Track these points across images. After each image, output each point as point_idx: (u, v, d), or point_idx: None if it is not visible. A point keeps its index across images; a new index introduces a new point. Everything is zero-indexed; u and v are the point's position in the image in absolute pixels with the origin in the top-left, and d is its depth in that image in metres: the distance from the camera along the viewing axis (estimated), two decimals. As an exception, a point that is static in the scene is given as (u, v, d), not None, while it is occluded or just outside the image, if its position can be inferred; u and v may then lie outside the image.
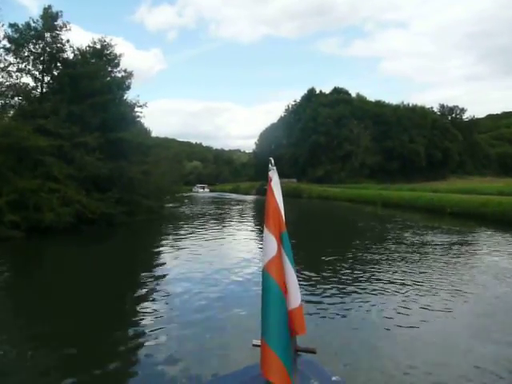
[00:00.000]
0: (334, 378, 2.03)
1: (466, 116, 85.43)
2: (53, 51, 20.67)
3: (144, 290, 8.03)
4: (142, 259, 12.30)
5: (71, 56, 21.45)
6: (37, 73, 20.64)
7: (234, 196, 60.44)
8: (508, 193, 26.86)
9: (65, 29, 20.83)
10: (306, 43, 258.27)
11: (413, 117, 73.41)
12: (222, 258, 11.38)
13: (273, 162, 1.71)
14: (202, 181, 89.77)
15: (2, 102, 19.72)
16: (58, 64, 21.09)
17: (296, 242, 10.85)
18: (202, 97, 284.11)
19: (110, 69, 22.34)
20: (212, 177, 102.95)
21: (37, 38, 20.28)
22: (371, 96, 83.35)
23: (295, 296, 1.64)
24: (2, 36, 19.58)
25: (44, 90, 20.94)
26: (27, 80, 20.49)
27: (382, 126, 70.94)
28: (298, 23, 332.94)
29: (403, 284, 8.18)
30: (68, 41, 21.08)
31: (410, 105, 79.22)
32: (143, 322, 6.18)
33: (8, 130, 15.74)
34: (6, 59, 19.89)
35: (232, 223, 21.76)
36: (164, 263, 10.99)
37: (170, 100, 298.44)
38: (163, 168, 25.30)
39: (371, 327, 5.98)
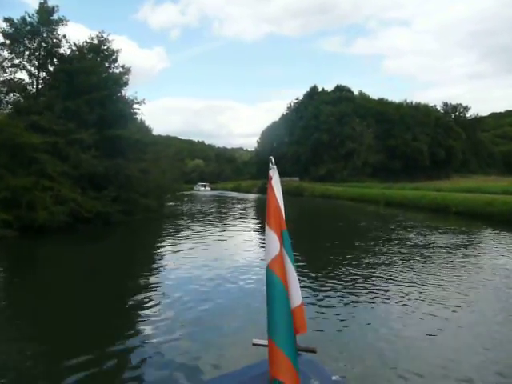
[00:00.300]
0: (334, 378, 2.03)
1: (469, 114, 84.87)
2: (49, 46, 20.27)
3: (140, 289, 7.92)
4: (138, 258, 12.10)
5: (68, 51, 21.06)
6: (32, 68, 20.21)
7: (235, 194, 60.11)
8: (513, 192, 26.31)
9: (61, 24, 20.44)
10: (308, 41, 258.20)
11: (416, 115, 72.61)
12: (222, 259, 10.94)
13: (273, 160, 1.75)
14: (204, 179, 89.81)
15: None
16: (54, 59, 20.69)
17: (297, 241, 10.48)
18: (204, 95, 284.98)
19: (107, 64, 21.90)
20: (214, 175, 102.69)
21: (32, 33, 19.83)
22: (374, 94, 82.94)
23: (296, 294, 1.65)
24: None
25: (40, 85, 20.50)
26: (22, 76, 20.13)
27: (384, 124, 70.24)
28: (300, 21, 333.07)
29: (409, 286, 7.78)
30: (64, 36, 20.72)
31: (413, 103, 78.54)
32: (142, 322, 6.11)
33: (0, 127, 15.33)
34: (0, 54, 19.53)
35: (232, 222, 21.33)
36: (162, 263, 10.71)
37: (173, 98, 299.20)
38: (163, 166, 24.88)
39: (373, 328, 5.76)
